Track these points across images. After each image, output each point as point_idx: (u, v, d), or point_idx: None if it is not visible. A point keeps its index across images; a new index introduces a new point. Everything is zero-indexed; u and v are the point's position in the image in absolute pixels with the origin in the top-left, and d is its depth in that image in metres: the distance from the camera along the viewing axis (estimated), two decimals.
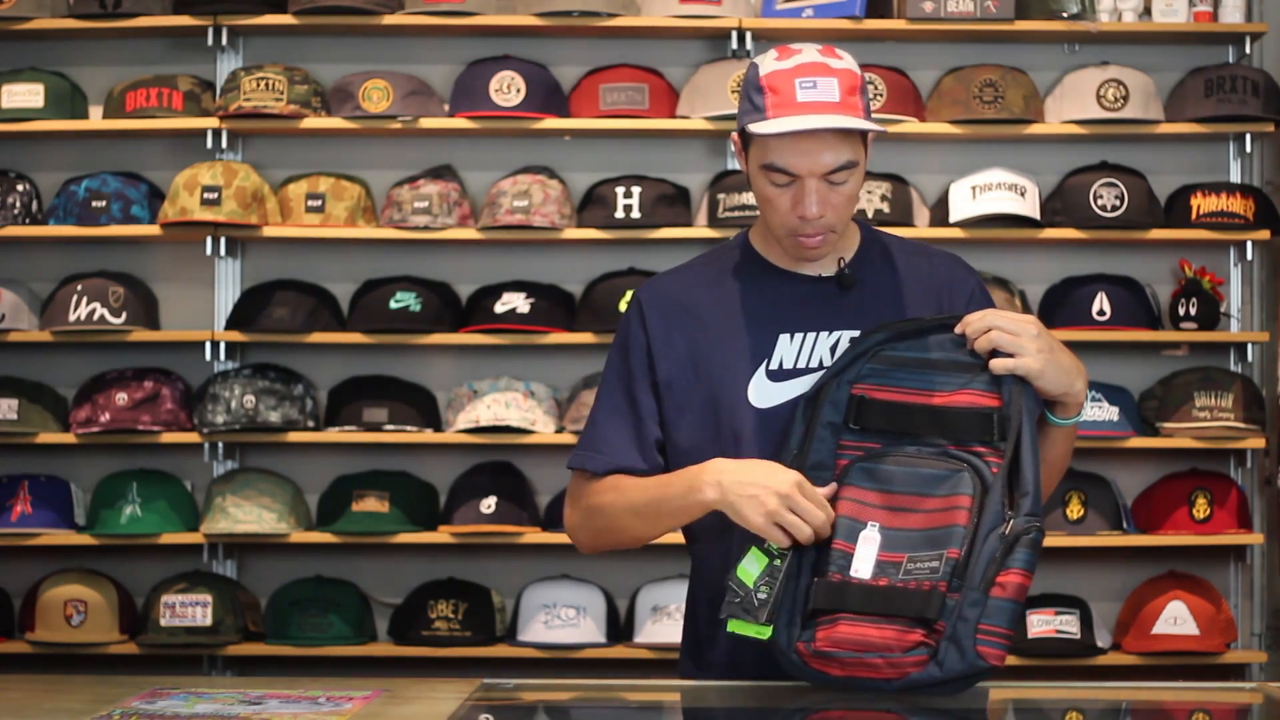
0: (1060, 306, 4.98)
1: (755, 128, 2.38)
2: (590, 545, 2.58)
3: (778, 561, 2.33)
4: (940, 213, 4.99)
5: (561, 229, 4.94)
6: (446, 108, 5.05)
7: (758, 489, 2.31)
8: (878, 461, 2.35)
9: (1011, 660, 4.72)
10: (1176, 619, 4.84)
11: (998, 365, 2.34)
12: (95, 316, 4.93)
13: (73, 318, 4.92)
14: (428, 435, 4.96)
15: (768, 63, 2.41)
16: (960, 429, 2.34)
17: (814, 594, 2.33)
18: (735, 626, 2.34)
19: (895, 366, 2.36)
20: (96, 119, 5.07)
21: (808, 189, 2.39)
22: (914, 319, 2.41)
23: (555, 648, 4.85)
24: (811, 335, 2.47)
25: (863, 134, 2.42)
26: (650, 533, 2.49)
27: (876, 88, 4.89)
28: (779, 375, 2.46)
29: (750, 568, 2.35)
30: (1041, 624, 4.83)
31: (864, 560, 2.32)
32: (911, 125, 4.93)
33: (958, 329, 2.37)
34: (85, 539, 4.94)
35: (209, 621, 4.83)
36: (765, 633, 2.33)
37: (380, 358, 5.13)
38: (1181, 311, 4.97)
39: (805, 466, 2.36)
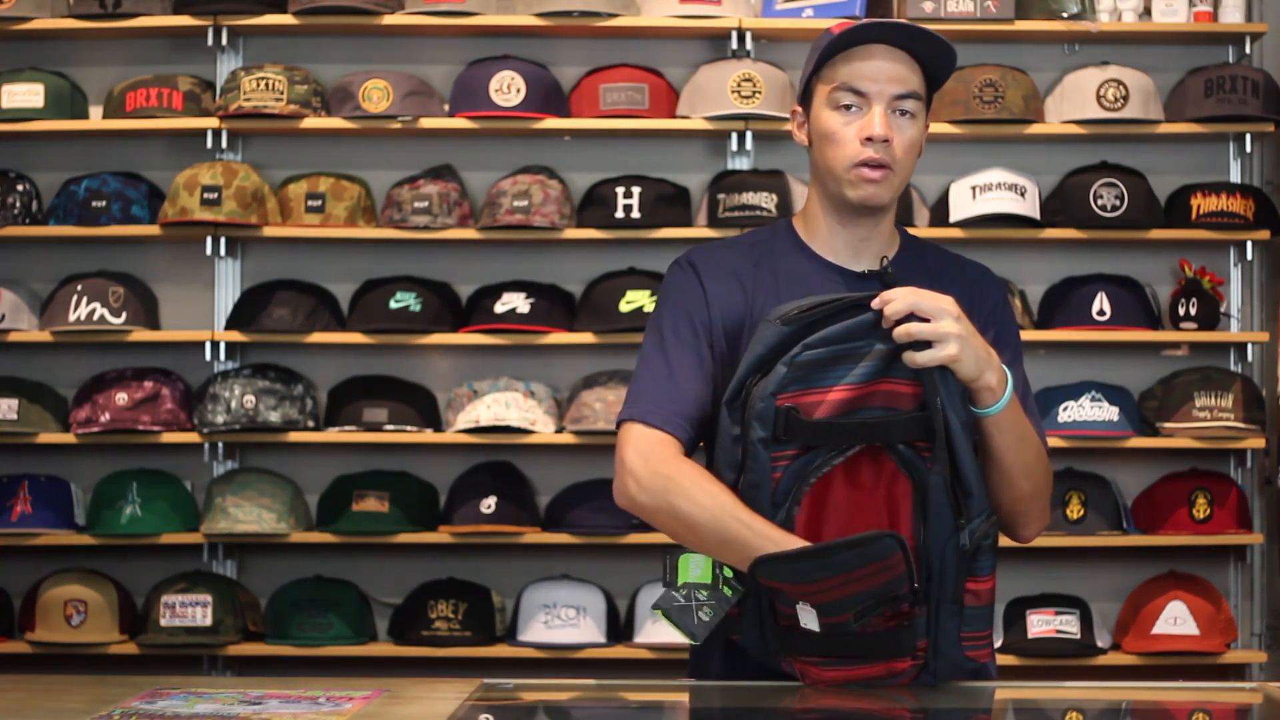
0: (1060, 306, 4.98)
1: (830, 43, 2.44)
2: (648, 511, 2.41)
3: (728, 592, 2.32)
4: (940, 213, 4.98)
5: (561, 229, 4.94)
6: (446, 108, 5.05)
7: None
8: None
9: (1011, 660, 4.76)
10: (1176, 619, 4.83)
11: (918, 359, 2.27)
12: (95, 316, 4.93)
13: (73, 318, 4.92)
14: (428, 435, 4.95)
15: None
16: (892, 437, 2.29)
17: (772, 638, 2.33)
18: (665, 619, 2.32)
19: (813, 370, 2.27)
20: (96, 119, 5.07)
21: (875, 112, 2.43)
22: (826, 299, 2.32)
23: (555, 648, 4.85)
24: None
25: (925, 98, 2.48)
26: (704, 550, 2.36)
27: None
28: None
29: (695, 571, 2.33)
30: (1041, 624, 4.83)
31: (809, 621, 2.29)
32: None
33: (875, 303, 2.29)
34: (85, 539, 4.94)
35: (209, 621, 4.83)
36: (693, 641, 2.32)
37: (380, 358, 5.13)
38: (1181, 311, 4.97)
39: (743, 487, 2.31)
